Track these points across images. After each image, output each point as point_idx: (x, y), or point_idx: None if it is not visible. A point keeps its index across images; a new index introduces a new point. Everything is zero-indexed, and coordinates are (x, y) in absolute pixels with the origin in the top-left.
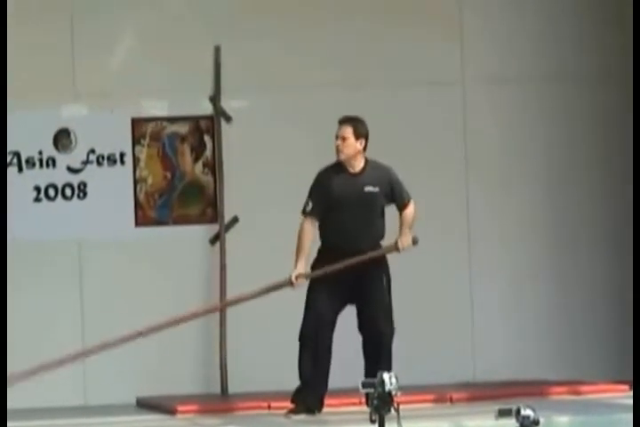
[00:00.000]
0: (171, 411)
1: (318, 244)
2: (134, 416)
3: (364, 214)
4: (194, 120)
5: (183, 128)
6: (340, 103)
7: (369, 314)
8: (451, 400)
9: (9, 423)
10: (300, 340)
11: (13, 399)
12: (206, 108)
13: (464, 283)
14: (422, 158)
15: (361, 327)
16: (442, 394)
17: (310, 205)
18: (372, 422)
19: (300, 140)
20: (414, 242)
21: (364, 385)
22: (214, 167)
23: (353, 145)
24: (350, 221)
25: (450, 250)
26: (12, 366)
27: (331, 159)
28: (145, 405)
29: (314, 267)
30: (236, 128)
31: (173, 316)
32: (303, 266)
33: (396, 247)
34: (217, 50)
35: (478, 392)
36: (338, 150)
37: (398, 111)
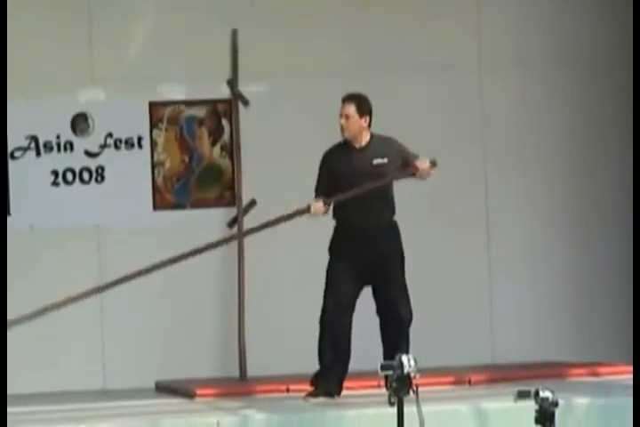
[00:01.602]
0: (190, 394)
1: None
2: (153, 400)
3: (375, 188)
4: (211, 104)
5: (201, 112)
6: (356, 87)
7: (387, 296)
8: (469, 382)
9: (29, 408)
10: (320, 323)
11: (32, 384)
12: (224, 92)
13: (482, 265)
14: (439, 143)
15: (379, 310)
16: (461, 376)
17: (316, 184)
18: (391, 404)
19: (318, 124)
20: (433, 165)
21: (383, 368)
22: (232, 151)
23: (357, 123)
24: (362, 196)
25: (468, 233)
26: (25, 358)
27: None
28: (164, 388)
29: (332, 245)
30: (254, 111)
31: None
32: None
33: (415, 169)
34: (234, 33)
35: (497, 374)
36: (342, 129)
37: (414, 95)
